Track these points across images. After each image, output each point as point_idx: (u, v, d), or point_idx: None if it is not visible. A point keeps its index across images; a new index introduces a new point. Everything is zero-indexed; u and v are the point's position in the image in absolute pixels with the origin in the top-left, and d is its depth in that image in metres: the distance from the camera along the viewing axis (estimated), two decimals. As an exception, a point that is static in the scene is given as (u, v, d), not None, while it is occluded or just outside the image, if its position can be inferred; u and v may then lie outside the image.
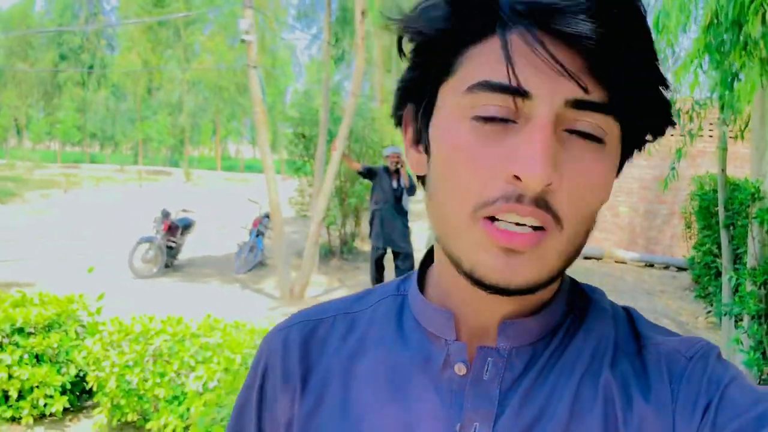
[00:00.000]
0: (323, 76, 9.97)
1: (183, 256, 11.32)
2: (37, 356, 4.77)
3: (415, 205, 9.87)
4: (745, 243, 6.19)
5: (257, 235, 10.82)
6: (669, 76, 4.56)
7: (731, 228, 6.73)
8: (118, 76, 35.12)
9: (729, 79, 5.08)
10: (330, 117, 9.41)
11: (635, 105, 0.54)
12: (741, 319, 5.94)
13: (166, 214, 10.70)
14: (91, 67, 39.35)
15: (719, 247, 7.14)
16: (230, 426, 0.75)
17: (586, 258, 11.92)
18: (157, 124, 34.92)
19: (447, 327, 0.64)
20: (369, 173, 8.37)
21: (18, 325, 4.77)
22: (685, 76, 4.87)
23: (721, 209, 6.81)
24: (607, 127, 0.54)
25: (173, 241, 10.72)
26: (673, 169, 6.69)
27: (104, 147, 48.02)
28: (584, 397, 0.60)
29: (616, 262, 11.89)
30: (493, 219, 0.54)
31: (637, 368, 0.62)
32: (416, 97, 0.62)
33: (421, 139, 0.63)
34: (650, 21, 5.71)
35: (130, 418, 4.57)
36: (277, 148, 27.39)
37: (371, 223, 8.49)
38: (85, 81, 39.97)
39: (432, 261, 0.70)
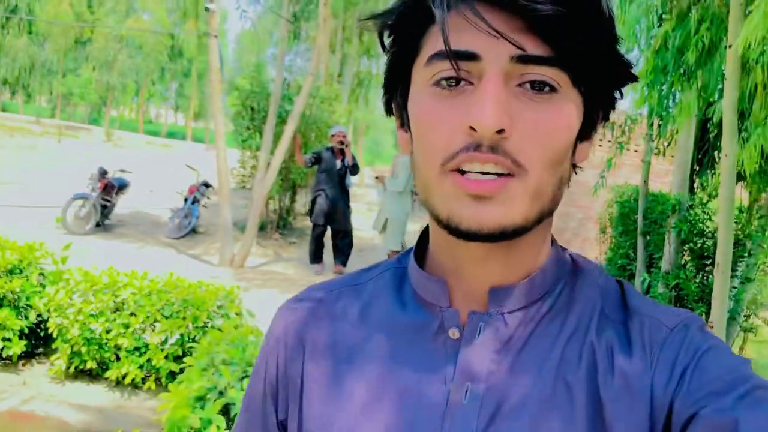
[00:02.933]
0: (279, 51, 10.08)
1: (113, 216, 11.20)
2: (-3, 299, 4.83)
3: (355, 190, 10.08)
4: (661, 249, 6.83)
5: (193, 202, 10.83)
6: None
7: (647, 235, 7.35)
8: (42, 23, 33.50)
9: (666, 101, 5.64)
10: (282, 92, 9.57)
11: (580, 57, 0.58)
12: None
13: (103, 173, 10.57)
14: (14, 11, 37.29)
15: (635, 252, 7.77)
16: (248, 394, 0.81)
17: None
18: (82, 80, 33.56)
19: (441, 294, 0.68)
20: (315, 160, 8.59)
21: (-20, 268, 4.81)
22: (631, 93, 5.33)
23: (640, 218, 7.44)
24: (557, 77, 0.58)
25: (107, 200, 10.60)
26: (603, 177, 7.29)
27: (15, 96, 45.63)
28: (569, 359, 0.64)
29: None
30: (461, 172, 0.58)
31: (622, 336, 0.65)
32: (396, 84, 0.68)
33: (404, 120, 0.69)
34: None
35: (89, 365, 4.72)
36: (206, 117, 26.89)
37: (313, 202, 8.73)
38: (3, 25, 37.85)
39: (427, 237, 0.74)
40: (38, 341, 5.14)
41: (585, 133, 0.66)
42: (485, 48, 0.57)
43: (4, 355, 4.82)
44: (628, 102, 6.07)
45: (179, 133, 44.45)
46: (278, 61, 9.82)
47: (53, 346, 4.84)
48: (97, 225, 10.46)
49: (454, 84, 0.59)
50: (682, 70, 5.14)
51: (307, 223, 10.14)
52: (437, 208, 0.62)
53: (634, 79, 0.65)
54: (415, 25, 0.62)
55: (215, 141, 8.69)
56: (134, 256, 8.87)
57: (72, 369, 4.77)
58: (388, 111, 0.73)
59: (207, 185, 11.10)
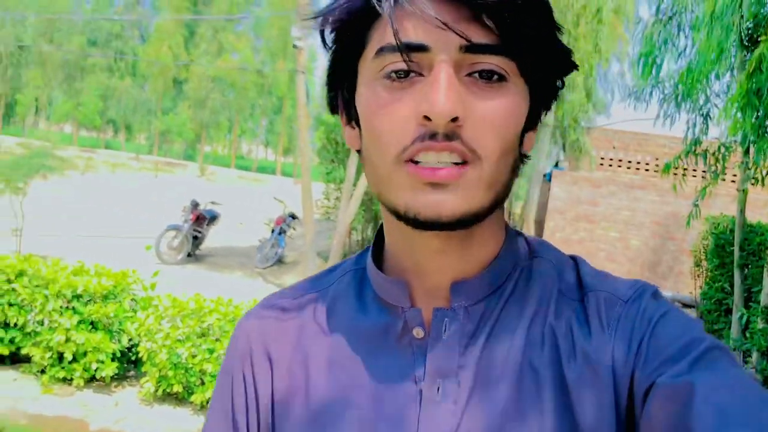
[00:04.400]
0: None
1: (204, 246, 11.63)
2: (92, 323, 5.08)
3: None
4: (759, 283, 6.46)
5: (279, 233, 11.12)
6: (699, 118, 4.78)
7: (745, 268, 6.98)
8: (144, 66, 35.55)
9: (761, 126, 5.37)
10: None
11: (525, 44, 0.59)
12: (750, 356, 6.20)
13: (195, 205, 11.03)
14: (121, 54, 39.85)
15: (731, 286, 7.39)
16: (213, 414, 0.77)
17: (595, 286, 12.16)
18: (178, 118, 35.29)
19: (401, 295, 0.68)
20: None
21: (78, 292, 5.08)
22: (726, 119, 5.12)
23: (736, 249, 7.06)
24: (505, 65, 0.59)
25: (199, 231, 11.04)
26: (696, 206, 6.98)
27: (118, 134, 48.38)
28: (533, 344, 0.65)
29: (623, 293, 12.10)
30: (415, 163, 0.59)
31: (579, 314, 0.66)
32: (341, 80, 0.68)
33: (351, 116, 0.68)
34: (683, 66, 6.00)
35: (175, 389, 4.86)
36: (295, 152, 27.69)
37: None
38: (112, 68, 40.47)
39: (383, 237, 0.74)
40: (129, 364, 5.35)
41: (531, 122, 0.67)
42: (434, 39, 0.57)
43: (97, 377, 5.04)
44: (722, 129, 5.82)
45: (269, 167, 45.81)
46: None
47: (143, 369, 5.02)
48: (189, 255, 10.89)
49: (403, 76, 0.59)
50: (778, 94, 4.90)
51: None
52: (394, 199, 0.61)
53: (573, 67, 0.67)
54: (360, 20, 0.62)
55: (301, 174, 8.90)
56: (223, 284, 9.15)
57: (160, 392, 4.93)
58: (333, 109, 0.72)
59: (293, 217, 11.37)
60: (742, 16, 5.29)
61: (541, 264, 0.71)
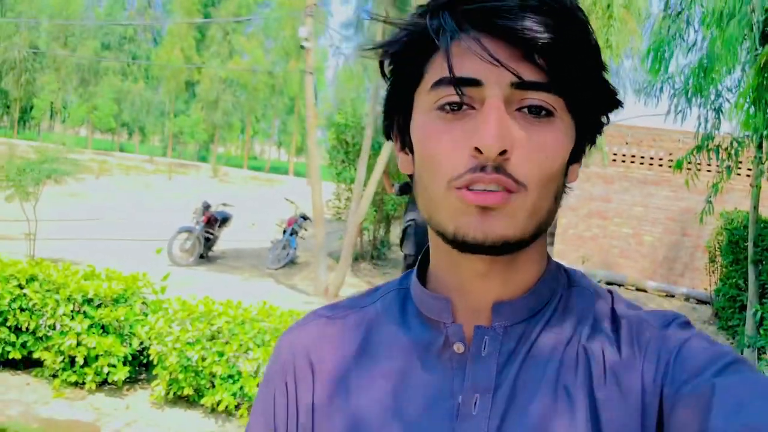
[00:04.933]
0: (373, 85, 10.29)
1: (216, 248, 11.67)
2: (103, 327, 5.11)
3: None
4: (774, 278, 6.39)
5: (291, 234, 11.13)
6: (711, 113, 4.73)
7: (759, 264, 6.90)
8: (157, 68, 35.79)
9: (772, 121, 5.30)
10: (374, 126, 9.73)
11: (573, 83, 0.63)
12: (764, 352, 6.13)
13: (206, 206, 11.06)
14: (134, 58, 40.19)
15: (746, 282, 7.31)
16: (255, 425, 0.79)
17: (609, 283, 12.09)
18: (191, 119, 35.49)
19: (444, 311, 0.71)
20: (405, 190, 8.64)
21: (89, 296, 5.11)
22: (737, 114, 5.06)
23: (750, 245, 6.98)
24: (553, 102, 0.63)
25: (211, 233, 11.07)
26: (709, 202, 6.90)
27: (132, 137, 48.71)
28: (568, 367, 0.68)
29: (637, 289, 12.02)
30: (466, 189, 0.62)
31: (612, 340, 0.69)
32: (398, 109, 0.71)
33: (405, 143, 0.72)
34: (695, 63, 5.94)
35: (185, 392, 4.88)
36: (306, 151, 27.78)
37: (404, 232, 8.76)
38: (126, 71, 40.80)
39: (429, 258, 0.77)
40: (141, 367, 5.38)
41: (575, 155, 0.70)
42: (486, 75, 0.61)
43: (109, 380, 5.06)
44: (735, 124, 5.75)
45: (282, 168, 45.98)
46: (371, 94, 10.00)
47: (154, 373, 5.04)
48: (201, 257, 10.93)
49: (457, 108, 0.63)
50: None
51: (401, 253, 10.17)
52: (443, 222, 0.65)
53: (619, 104, 0.70)
54: (418, 54, 0.66)
55: (311, 174, 8.90)
56: (234, 286, 9.17)
57: (171, 395, 4.95)
58: (387, 135, 0.76)
59: (305, 218, 11.38)
60: (753, 10, 5.23)
61: (578, 293, 0.74)
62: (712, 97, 6.54)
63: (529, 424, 0.65)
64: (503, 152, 0.60)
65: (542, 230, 0.67)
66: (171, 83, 36.27)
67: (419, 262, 0.78)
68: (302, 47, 8.58)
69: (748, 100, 5.08)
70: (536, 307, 0.70)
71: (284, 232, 11.25)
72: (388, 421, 0.69)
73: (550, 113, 0.63)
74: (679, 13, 6.08)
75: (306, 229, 11.49)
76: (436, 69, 0.64)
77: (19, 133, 43.16)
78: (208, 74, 34.60)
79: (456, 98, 0.62)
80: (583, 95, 0.65)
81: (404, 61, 0.68)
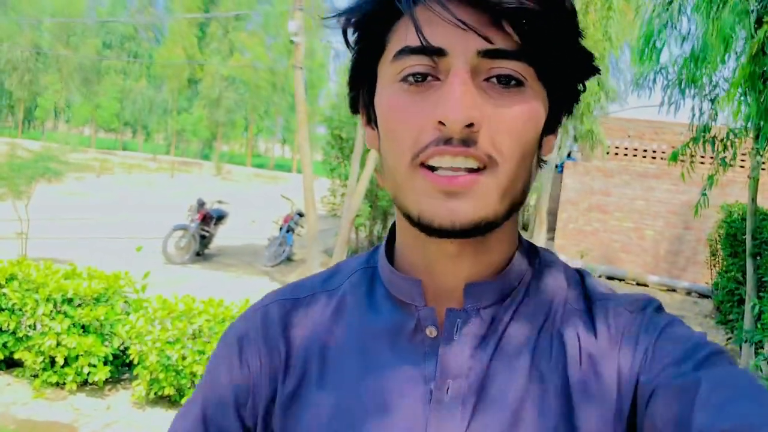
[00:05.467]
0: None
1: (213, 245, 11.62)
2: (83, 327, 5.03)
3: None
4: (771, 272, 6.28)
5: (287, 231, 11.08)
6: (706, 104, 4.60)
7: (758, 257, 6.78)
8: (159, 67, 35.84)
9: (765, 110, 5.18)
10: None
11: (545, 50, 0.59)
12: (762, 347, 6.03)
13: (201, 204, 11.00)
14: (136, 56, 40.24)
15: (744, 275, 7.20)
16: (200, 396, 0.75)
17: (609, 278, 11.99)
18: (194, 117, 35.51)
19: (416, 294, 0.68)
20: None
21: (68, 295, 5.03)
22: (729, 104, 4.97)
23: (748, 237, 6.87)
24: (523, 71, 0.59)
25: (206, 231, 11.02)
26: (704, 195, 6.78)
27: (136, 135, 48.80)
28: (542, 350, 0.66)
29: (638, 284, 11.92)
30: (432, 168, 0.59)
31: (587, 323, 0.67)
32: (362, 81, 0.68)
33: (370, 117, 0.69)
34: (687, 52, 5.82)
35: (167, 391, 4.80)
36: (311, 149, 27.80)
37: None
38: (127, 70, 40.86)
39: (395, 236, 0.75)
40: (123, 367, 5.31)
41: (550, 126, 0.66)
42: (452, 43, 0.57)
43: (90, 380, 4.99)
44: (727, 114, 5.64)
45: (286, 165, 45.96)
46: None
47: (135, 372, 4.97)
48: (198, 254, 10.88)
49: (421, 79, 0.59)
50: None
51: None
52: (408, 204, 0.62)
53: (595, 71, 0.66)
54: (380, 22, 0.62)
55: (303, 170, 8.84)
56: (230, 284, 9.12)
57: (152, 395, 4.87)
58: (354, 109, 0.72)
59: (301, 214, 11.32)
60: (747, -3, 5.11)
61: (550, 273, 0.72)
62: (707, 87, 6.42)
63: (502, 410, 0.63)
64: (470, 125, 0.57)
65: (515, 209, 0.64)
66: (173, 81, 36.31)
67: (386, 240, 0.75)
68: (292, 42, 8.50)
69: (739, 90, 4.97)
70: (509, 288, 0.68)
71: (281, 229, 11.20)
72: (360, 408, 0.66)
73: (520, 83, 0.59)
74: (671, 1, 5.96)
75: (302, 226, 11.42)
76: (399, 38, 0.60)
77: (23, 132, 43.28)
78: (210, 72, 34.60)
79: (420, 68, 0.59)
80: (556, 63, 0.61)
81: (366, 29, 0.64)
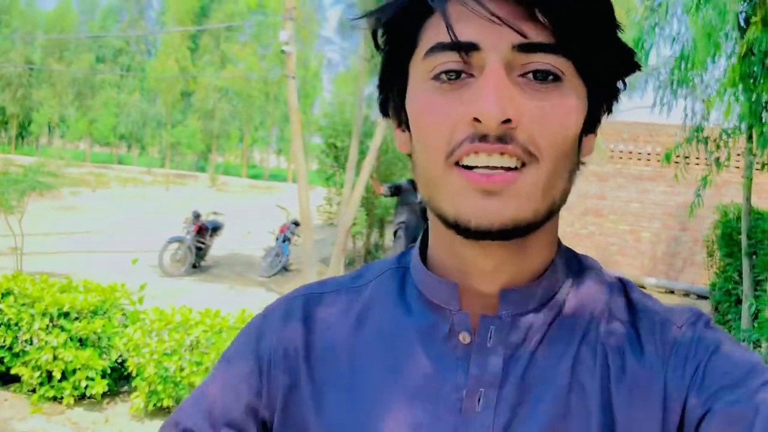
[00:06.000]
0: (358, 88, 10.23)
1: (209, 257, 11.61)
2: (80, 340, 5.02)
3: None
4: (767, 271, 6.30)
5: (283, 241, 11.08)
6: (698, 105, 4.63)
7: (753, 256, 6.82)
8: (153, 80, 35.92)
9: (758, 110, 5.22)
10: (362, 129, 9.68)
11: (583, 43, 0.57)
12: (759, 346, 6.04)
13: (197, 216, 11.01)
14: (128, 70, 40.32)
15: (740, 275, 7.23)
16: (215, 378, 0.72)
17: (607, 281, 12.01)
18: (188, 130, 35.55)
19: (451, 298, 0.66)
20: (395, 191, 8.63)
21: (65, 309, 5.03)
22: (719, 104, 5.00)
23: (744, 237, 6.91)
24: (560, 65, 0.57)
25: (202, 242, 11.02)
26: (699, 196, 6.81)
27: (131, 149, 48.83)
28: (583, 361, 0.63)
29: (636, 286, 11.95)
30: (467, 168, 0.57)
31: (631, 335, 0.64)
32: (392, 82, 0.66)
33: (401, 119, 0.66)
34: (677, 52, 5.85)
35: (165, 403, 4.79)
36: (306, 159, 27.92)
37: (395, 235, 8.73)
38: (120, 84, 40.94)
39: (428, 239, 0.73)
40: (122, 380, 5.29)
41: (590, 125, 0.64)
42: (485, 37, 0.55)
43: (88, 394, 4.97)
44: (718, 114, 5.68)
45: (281, 175, 45.97)
46: (358, 97, 9.95)
47: (133, 384, 4.95)
48: (194, 266, 10.87)
49: (454, 77, 0.57)
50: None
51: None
52: (443, 206, 0.59)
53: (636, 67, 0.64)
54: (411, 20, 0.61)
55: (298, 180, 8.85)
56: (226, 295, 9.11)
57: (150, 407, 4.86)
58: (384, 112, 0.70)
59: (297, 224, 11.31)
60: (730, -3, 5.16)
61: (591, 281, 0.69)
62: (699, 87, 6.46)
63: (539, 423, 0.60)
64: (507, 121, 0.55)
65: (555, 210, 0.61)
66: (167, 94, 36.34)
67: (420, 241, 0.72)
68: (283, 52, 8.53)
69: (729, 90, 5.01)
70: (547, 296, 0.65)
71: (276, 239, 11.21)
72: (386, 411, 0.64)
73: (557, 78, 0.57)
74: (660, 3, 6.00)
75: (299, 236, 11.42)
76: (430, 35, 0.59)
77: (17, 148, 43.23)
78: (203, 84, 34.67)
79: (452, 65, 0.57)
80: (595, 57, 0.59)
81: (397, 28, 0.62)
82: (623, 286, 0.69)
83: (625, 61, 0.63)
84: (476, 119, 0.55)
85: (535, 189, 0.57)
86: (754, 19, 5.00)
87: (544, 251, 0.66)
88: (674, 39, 6.30)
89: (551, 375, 0.62)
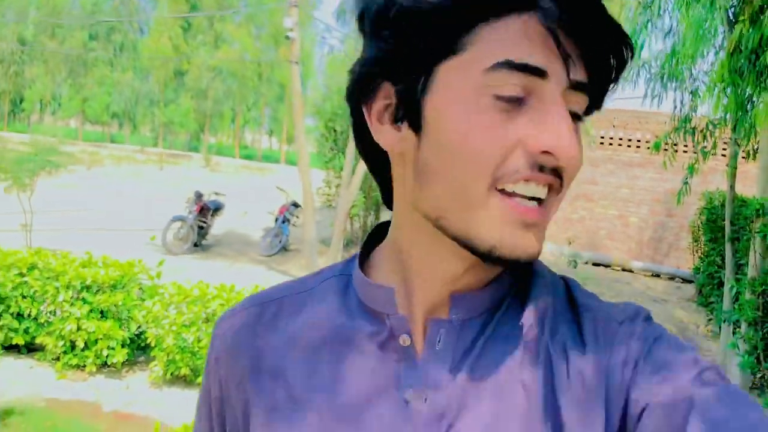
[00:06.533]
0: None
1: (209, 236, 11.88)
2: (102, 312, 5.32)
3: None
4: (748, 255, 6.64)
5: (283, 222, 11.36)
6: (687, 97, 4.96)
7: (736, 242, 7.14)
8: (146, 58, 35.82)
9: (744, 103, 5.53)
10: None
11: (608, 86, 0.59)
12: (739, 326, 6.39)
13: (199, 196, 11.27)
14: (122, 48, 40.18)
15: (723, 259, 7.57)
16: (199, 420, 0.77)
17: (595, 264, 12.36)
18: (181, 109, 35.53)
19: (387, 302, 0.66)
20: None
21: (87, 283, 5.31)
22: (710, 97, 5.27)
23: (727, 223, 7.22)
24: (584, 103, 0.58)
25: (204, 222, 11.28)
26: (686, 183, 7.13)
27: (123, 127, 48.64)
28: (527, 363, 0.63)
29: (623, 270, 12.30)
30: (508, 194, 0.56)
31: (574, 333, 0.64)
32: (398, 74, 0.61)
33: (404, 117, 0.62)
34: (668, 47, 6.14)
35: (182, 372, 5.10)
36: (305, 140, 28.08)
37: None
38: (113, 62, 40.75)
39: (376, 241, 0.73)
40: (139, 350, 5.60)
41: None
42: (553, 67, 0.55)
43: (109, 362, 5.28)
44: (709, 106, 5.98)
45: (274, 156, 46.01)
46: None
47: (152, 354, 5.26)
48: (195, 245, 11.14)
49: (515, 100, 0.56)
50: (757, 73, 5.05)
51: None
52: (479, 232, 0.58)
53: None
54: (459, 17, 0.56)
55: (300, 163, 9.11)
56: (228, 273, 9.37)
57: (168, 375, 5.17)
58: (356, 97, 0.65)
59: (296, 205, 11.58)
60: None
61: (538, 282, 0.69)
62: (688, 80, 6.76)
63: (483, 425, 0.61)
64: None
65: None
66: (160, 73, 36.28)
67: (363, 247, 0.74)
68: (287, 38, 8.76)
69: (719, 85, 5.30)
70: (497, 300, 0.67)
71: (276, 220, 11.48)
72: (332, 417, 0.65)
73: (580, 118, 0.59)
74: (653, 0, 6.28)
75: (297, 217, 11.69)
76: (494, 45, 0.55)
77: (9, 125, 43.06)
78: (197, 63, 34.62)
79: (518, 90, 0.55)
80: (604, 96, 0.60)
81: (427, 19, 0.57)
82: (567, 287, 0.70)
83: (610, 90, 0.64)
84: (546, 152, 0.55)
85: (550, 220, 0.60)
86: (741, 17, 5.29)
87: None
88: (666, 34, 6.60)
89: (497, 377, 0.63)
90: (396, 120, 0.63)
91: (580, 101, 0.58)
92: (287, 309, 0.73)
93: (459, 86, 0.57)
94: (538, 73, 0.54)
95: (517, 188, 0.56)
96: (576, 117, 0.58)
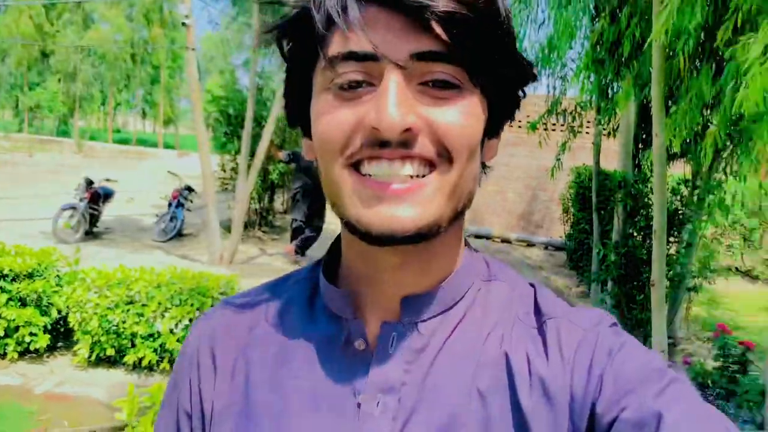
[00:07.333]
0: (252, 59, 10.67)
1: (100, 223, 11.68)
2: (21, 300, 5.38)
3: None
4: (612, 222, 7.56)
5: (177, 206, 11.34)
6: (558, 82, 5.76)
7: (602, 211, 8.06)
8: (3, 40, 33.45)
9: (605, 88, 6.36)
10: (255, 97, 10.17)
11: (476, 54, 0.58)
12: (606, 285, 7.29)
13: (89, 183, 11.07)
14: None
15: (591, 228, 8.50)
16: (161, 419, 0.76)
17: (478, 237, 13.27)
18: (48, 92, 33.63)
19: (345, 306, 0.67)
20: (293, 158, 9.28)
21: (4, 272, 5.36)
22: (576, 83, 6.01)
23: (594, 195, 8.17)
24: (457, 74, 0.58)
25: (95, 209, 11.10)
26: (559, 160, 7.98)
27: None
28: (485, 368, 0.63)
29: (503, 241, 13.28)
30: (365, 176, 0.59)
31: (537, 342, 0.64)
32: (296, 92, 0.67)
33: (306, 128, 0.67)
34: (544, 40, 6.89)
35: (108, 353, 5.29)
36: (176, 124, 27.28)
37: (293, 199, 9.44)
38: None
39: (339, 247, 0.73)
40: (59, 335, 5.70)
41: (492, 130, 0.66)
42: (384, 48, 0.56)
43: (31, 349, 5.37)
44: (576, 91, 6.77)
45: (149, 140, 44.55)
46: (251, 68, 10.40)
47: (75, 338, 5.40)
48: (87, 233, 10.95)
49: (355, 86, 0.58)
50: (616, 62, 5.83)
51: (287, 219, 10.76)
52: (344, 211, 0.61)
53: (533, 78, 0.68)
54: (312, 31, 0.60)
55: (198, 148, 9.25)
56: (125, 259, 9.34)
57: (93, 357, 5.34)
58: (292, 122, 0.71)
59: (190, 189, 11.57)
60: (587, -6, 6.22)
61: (499, 286, 0.70)
62: (558, 68, 7.57)
63: (435, 426, 0.61)
64: (408, 129, 0.56)
65: (461, 213, 0.63)
66: (22, 54, 34.05)
67: (329, 250, 0.75)
68: (183, 24, 8.84)
69: (584, 72, 6.06)
70: (450, 301, 0.66)
71: (170, 204, 11.44)
72: (285, 417, 0.66)
73: (455, 86, 0.59)
74: (530, -1, 7.00)
75: (192, 201, 11.72)
76: (332, 45, 0.59)
77: None
78: (64, 44, 32.81)
79: (352, 76, 0.58)
80: (489, 67, 0.60)
81: (299, 39, 0.63)
82: (532, 292, 0.70)
83: (522, 73, 0.65)
84: (375, 129, 0.56)
85: (439, 193, 0.59)
86: (603, 14, 6.07)
87: (449, 255, 0.67)
88: (539, 27, 7.35)
89: (451, 381, 0.62)
90: (305, 132, 0.68)
91: (441, 69, 0.58)
92: (260, 313, 0.74)
93: (318, 86, 0.62)
94: (368, 57, 0.57)
95: (373, 170, 0.58)
96: (445, 85, 0.59)
